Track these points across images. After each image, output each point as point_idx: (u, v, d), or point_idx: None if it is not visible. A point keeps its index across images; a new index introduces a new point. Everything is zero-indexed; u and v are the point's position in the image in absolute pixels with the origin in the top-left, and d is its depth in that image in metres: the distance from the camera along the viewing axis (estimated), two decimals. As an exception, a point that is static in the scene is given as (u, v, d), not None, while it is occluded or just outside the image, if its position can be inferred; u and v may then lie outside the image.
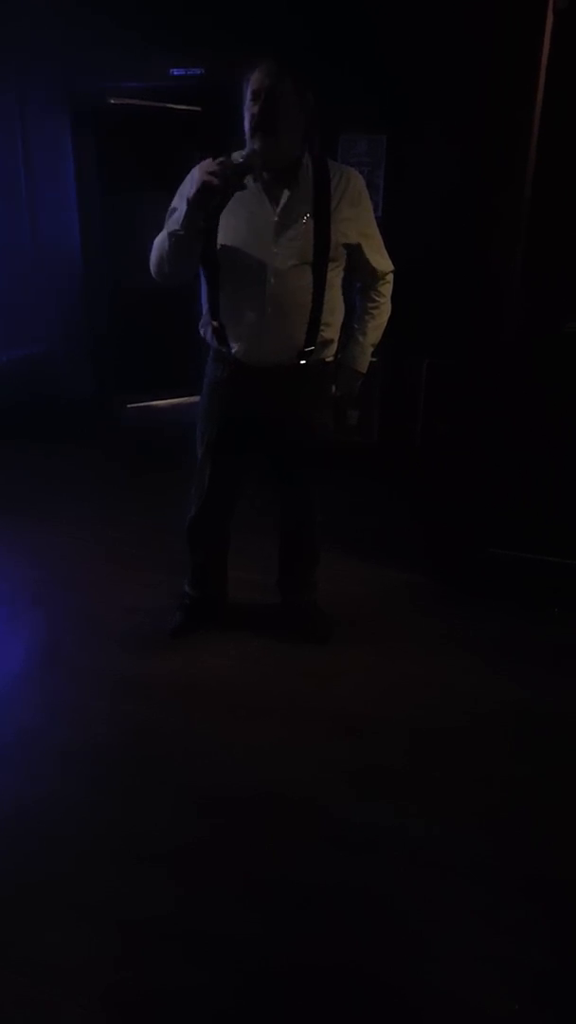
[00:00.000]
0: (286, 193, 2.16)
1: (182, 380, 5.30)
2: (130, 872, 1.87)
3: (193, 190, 2.00)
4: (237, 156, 2.06)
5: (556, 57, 2.64)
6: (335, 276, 2.27)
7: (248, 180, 2.11)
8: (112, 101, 4.69)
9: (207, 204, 2.03)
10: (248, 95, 2.05)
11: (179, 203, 2.14)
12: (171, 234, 2.14)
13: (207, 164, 2.00)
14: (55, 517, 3.71)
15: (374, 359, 2.55)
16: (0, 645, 2.76)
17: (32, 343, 5.00)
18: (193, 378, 2.83)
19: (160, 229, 2.21)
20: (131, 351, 5.27)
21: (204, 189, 1.98)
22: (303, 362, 2.31)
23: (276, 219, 2.16)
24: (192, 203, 2.02)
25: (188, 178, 2.13)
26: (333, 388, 2.48)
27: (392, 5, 3.56)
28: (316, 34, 3.68)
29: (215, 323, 2.32)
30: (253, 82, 2.04)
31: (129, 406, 5.44)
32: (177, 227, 2.11)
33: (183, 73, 4.22)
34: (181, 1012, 1.57)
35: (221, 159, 2.01)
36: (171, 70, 4.23)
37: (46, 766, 2.19)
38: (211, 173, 1.97)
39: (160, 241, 2.20)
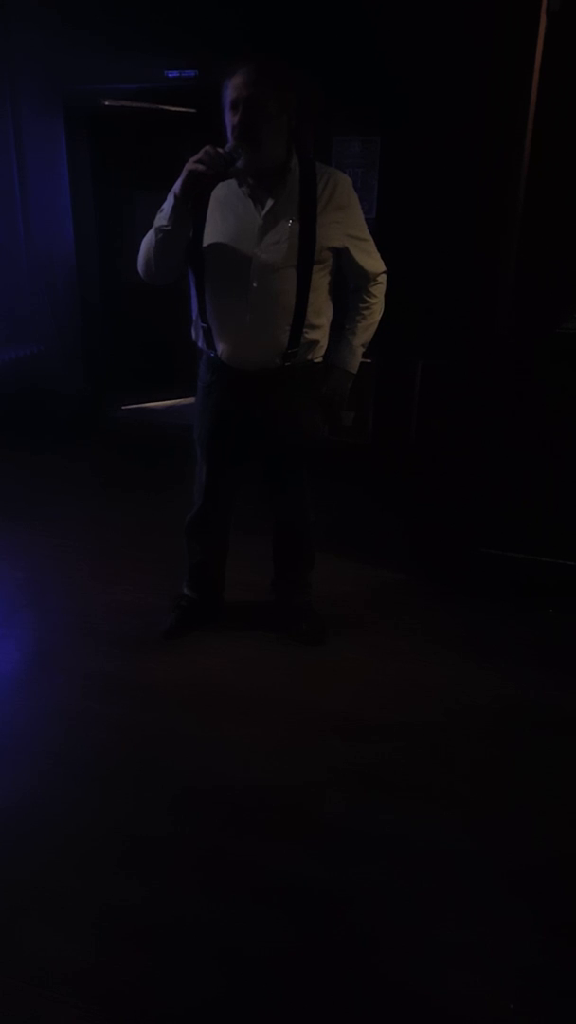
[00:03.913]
0: (271, 197, 2.15)
1: (177, 381, 5.30)
2: (128, 873, 1.87)
3: (179, 181, 2.01)
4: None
5: (549, 58, 2.66)
6: (321, 279, 2.26)
7: (233, 183, 2.12)
8: (106, 103, 4.69)
9: (193, 192, 2.03)
10: (227, 103, 2.04)
11: (167, 202, 2.14)
12: (157, 230, 2.14)
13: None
14: (49, 518, 3.71)
15: (367, 360, 2.55)
16: (-6, 646, 2.76)
17: (26, 344, 5.00)
18: (188, 380, 2.83)
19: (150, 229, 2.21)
20: (125, 352, 5.27)
21: (190, 177, 1.99)
22: (287, 364, 2.31)
23: (261, 222, 2.16)
24: (178, 192, 2.03)
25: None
26: (323, 389, 2.48)
27: (387, 7, 3.57)
28: (311, 36, 3.69)
29: (204, 325, 2.33)
30: (232, 90, 2.01)
31: (123, 407, 5.44)
32: (164, 222, 2.12)
33: (178, 75, 4.22)
34: (181, 1012, 1.56)
35: (206, 147, 2.01)
36: (166, 72, 4.23)
37: (42, 768, 2.18)
38: (197, 161, 1.98)
39: (147, 239, 2.20)
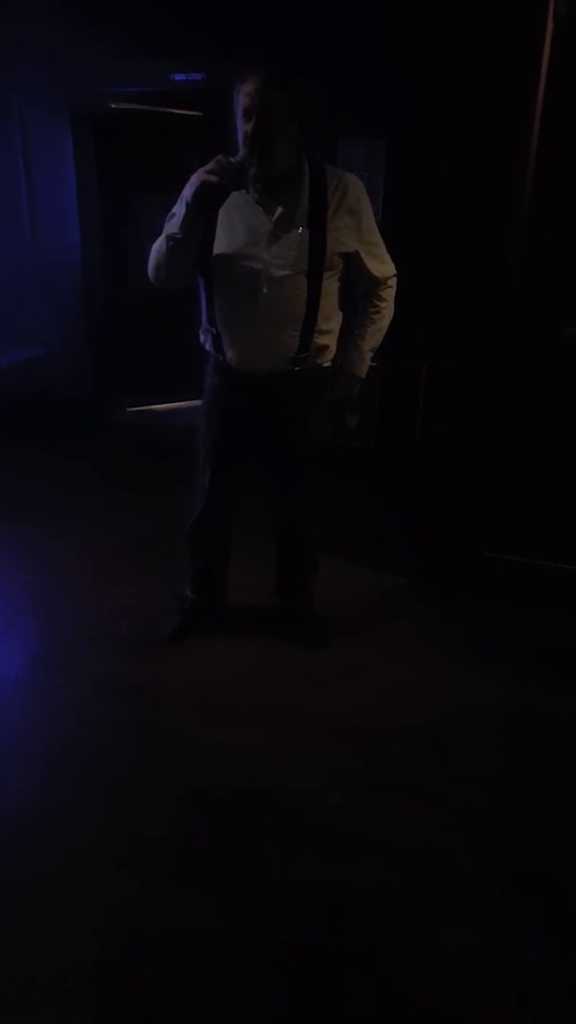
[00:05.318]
0: (281, 203, 2.14)
1: (181, 384, 5.32)
2: (128, 874, 1.87)
3: (191, 190, 2.01)
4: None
5: (556, 64, 2.66)
6: (331, 284, 2.25)
7: (243, 192, 2.12)
8: (113, 106, 4.71)
9: (205, 202, 2.03)
10: (240, 109, 2.03)
11: (178, 207, 2.14)
12: (169, 237, 2.15)
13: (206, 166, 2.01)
14: (52, 520, 3.72)
15: (374, 364, 2.54)
16: (-3, 647, 2.77)
17: (31, 346, 5.02)
18: (192, 382, 2.84)
19: (160, 234, 2.22)
20: (130, 354, 5.28)
21: (203, 187, 1.99)
22: (297, 368, 2.31)
23: (270, 228, 2.15)
24: (191, 202, 2.03)
25: (188, 183, 2.13)
26: (330, 393, 2.48)
27: (392, 11, 3.58)
28: (315, 40, 3.70)
29: (213, 330, 2.33)
30: (244, 97, 2.01)
31: (128, 409, 5.45)
32: (175, 230, 2.12)
33: (184, 78, 4.24)
34: (182, 1013, 1.57)
35: (218, 157, 2.01)
36: (172, 75, 4.24)
37: (43, 769, 2.18)
38: (209, 171, 1.99)
39: (158, 245, 2.20)
